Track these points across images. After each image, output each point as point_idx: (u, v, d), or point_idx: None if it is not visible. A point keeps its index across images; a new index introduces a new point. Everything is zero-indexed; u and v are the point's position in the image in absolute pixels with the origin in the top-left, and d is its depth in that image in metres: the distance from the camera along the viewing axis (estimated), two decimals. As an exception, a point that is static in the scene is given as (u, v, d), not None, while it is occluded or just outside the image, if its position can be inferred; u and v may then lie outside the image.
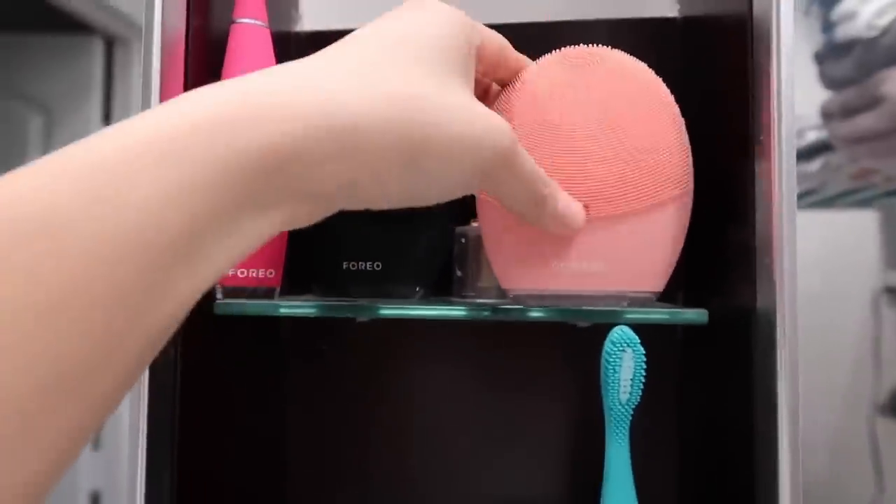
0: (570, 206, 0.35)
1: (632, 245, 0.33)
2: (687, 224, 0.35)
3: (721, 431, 0.50)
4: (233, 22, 0.50)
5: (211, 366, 0.53)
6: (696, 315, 0.45)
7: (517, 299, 0.37)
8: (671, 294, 0.58)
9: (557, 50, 0.39)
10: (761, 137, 0.40)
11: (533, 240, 0.33)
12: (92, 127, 1.71)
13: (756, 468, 0.41)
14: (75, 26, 1.66)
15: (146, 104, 0.45)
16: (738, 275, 0.44)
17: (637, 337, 0.41)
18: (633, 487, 0.45)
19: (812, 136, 1.01)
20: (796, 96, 0.41)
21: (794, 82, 0.40)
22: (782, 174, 0.40)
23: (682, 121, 0.40)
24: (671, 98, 0.39)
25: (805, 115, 1.01)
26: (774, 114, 0.39)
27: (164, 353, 0.47)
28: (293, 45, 0.67)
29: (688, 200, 0.35)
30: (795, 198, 0.39)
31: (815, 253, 1.15)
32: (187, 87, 0.47)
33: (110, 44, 1.77)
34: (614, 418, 0.43)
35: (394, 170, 0.26)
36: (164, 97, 0.44)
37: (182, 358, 0.48)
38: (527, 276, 0.34)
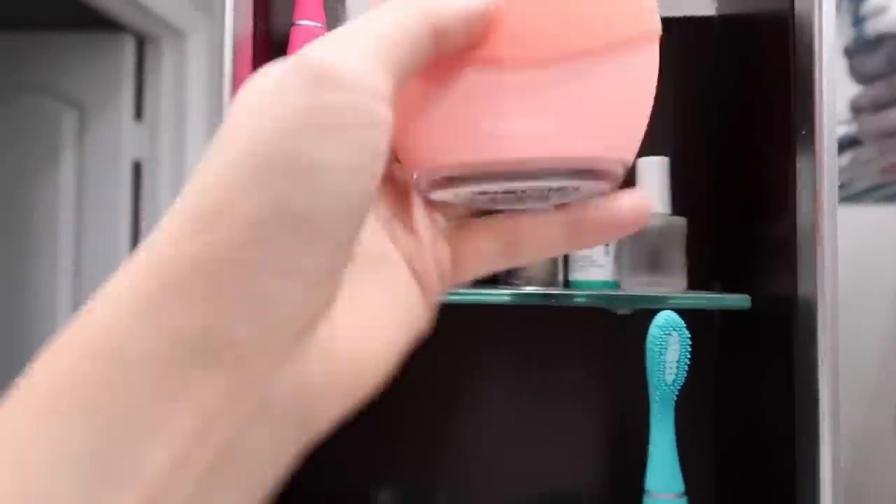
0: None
1: (591, 97, 0.22)
2: (655, 81, 0.24)
3: (759, 414, 0.52)
4: (293, 24, 0.53)
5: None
6: (738, 301, 0.47)
7: (430, 186, 0.22)
8: (708, 283, 0.60)
9: None
10: (803, 132, 0.42)
11: (454, 104, 0.22)
12: (124, 123, 1.76)
13: (797, 452, 0.43)
14: (107, 24, 1.71)
15: (217, 105, 0.47)
16: (778, 264, 0.46)
17: (682, 321, 0.44)
18: (678, 464, 0.47)
19: (841, 131, 1.02)
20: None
21: (836, 78, 0.42)
22: (824, 167, 0.42)
23: None
24: None
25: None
26: (818, 109, 0.41)
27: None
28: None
29: (656, 49, 0.24)
30: (837, 190, 0.41)
31: (843, 248, 1.16)
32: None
33: (141, 42, 1.81)
34: (659, 399, 0.46)
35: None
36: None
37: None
38: (452, 148, 0.22)
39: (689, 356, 0.45)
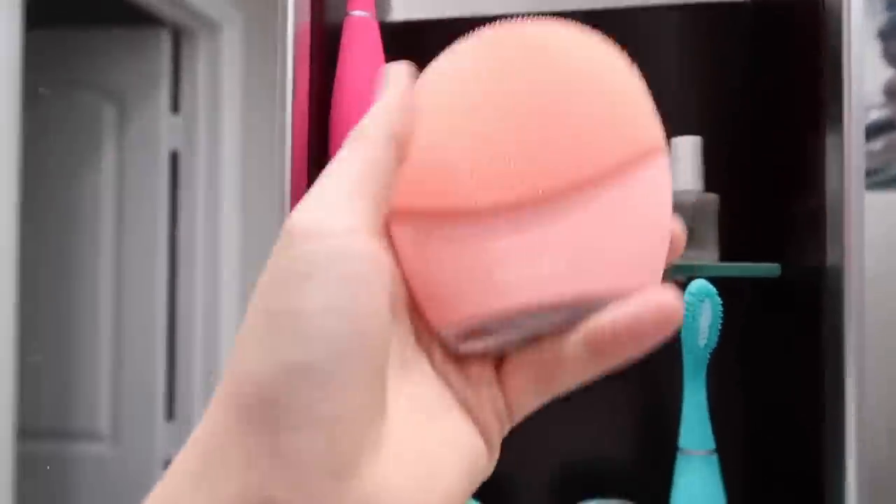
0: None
1: (598, 228, 0.21)
2: (670, 194, 0.23)
3: (788, 378, 0.54)
4: (347, 14, 0.56)
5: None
6: (768, 269, 0.50)
7: (455, 341, 0.21)
8: (739, 256, 0.63)
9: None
10: (832, 110, 0.44)
11: (462, 258, 0.21)
12: (161, 115, 1.81)
13: (826, 407, 0.46)
14: (144, 18, 1.76)
15: (282, 94, 0.51)
16: (807, 237, 0.49)
17: (714, 288, 0.47)
18: (710, 424, 0.50)
19: (875, 115, 1.01)
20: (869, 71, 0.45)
21: (863, 60, 0.44)
22: (852, 143, 0.45)
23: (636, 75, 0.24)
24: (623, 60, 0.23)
25: (867, 92, 1.02)
26: (847, 89, 0.43)
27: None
28: (386, 34, 0.74)
29: (663, 161, 0.22)
30: (864, 162, 0.44)
31: (875, 233, 1.16)
32: (313, 76, 0.53)
33: (177, 35, 1.86)
34: (693, 361, 0.49)
35: None
36: (297, 86, 0.50)
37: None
38: (469, 303, 0.21)
39: (720, 322, 0.48)
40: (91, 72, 1.85)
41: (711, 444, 0.51)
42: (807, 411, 0.50)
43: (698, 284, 0.47)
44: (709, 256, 0.55)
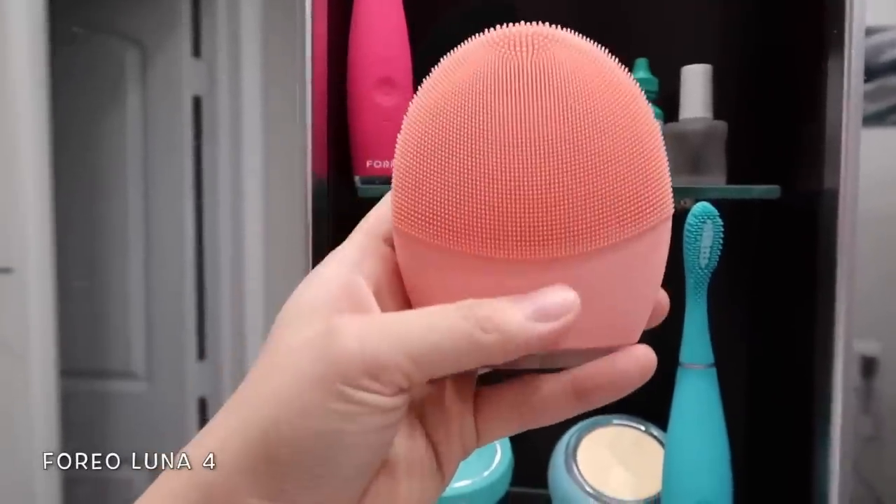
0: (545, 306, 0.20)
1: (609, 288, 0.21)
2: (667, 252, 0.23)
3: (785, 291, 0.57)
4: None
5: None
6: (768, 191, 0.52)
7: None
8: (745, 181, 0.65)
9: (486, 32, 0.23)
10: (834, 31, 0.46)
11: (474, 288, 0.21)
12: (183, 60, 1.82)
13: (818, 320, 0.49)
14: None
15: (301, 37, 0.53)
16: (808, 160, 0.51)
17: (716, 210, 0.49)
18: (709, 339, 0.53)
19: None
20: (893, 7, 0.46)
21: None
22: (852, 73, 0.46)
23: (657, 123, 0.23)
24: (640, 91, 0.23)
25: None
26: (848, 11, 0.44)
27: (317, 235, 0.56)
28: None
29: (670, 223, 0.22)
30: (862, 90, 0.45)
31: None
32: (331, 18, 0.55)
33: (196, -20, 1.84)
34: (694, 280, 0.52)
35: None
36: (316, 29, 0.52)
37: (334, 241, 0.58)
38: None
39: (721, 242, 0.50)
40: (113, 17, 1.85)
41: (710, 359, 0.54)
42: (801, 326, 0.53)
43: (700, 206, 0.49)
44: (716, 181, 0.57)
